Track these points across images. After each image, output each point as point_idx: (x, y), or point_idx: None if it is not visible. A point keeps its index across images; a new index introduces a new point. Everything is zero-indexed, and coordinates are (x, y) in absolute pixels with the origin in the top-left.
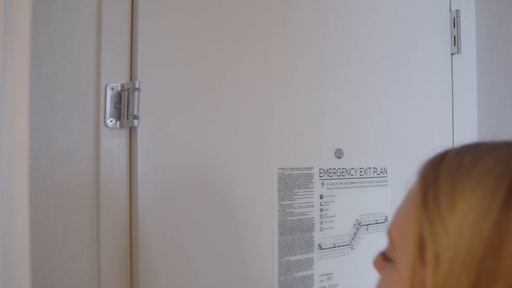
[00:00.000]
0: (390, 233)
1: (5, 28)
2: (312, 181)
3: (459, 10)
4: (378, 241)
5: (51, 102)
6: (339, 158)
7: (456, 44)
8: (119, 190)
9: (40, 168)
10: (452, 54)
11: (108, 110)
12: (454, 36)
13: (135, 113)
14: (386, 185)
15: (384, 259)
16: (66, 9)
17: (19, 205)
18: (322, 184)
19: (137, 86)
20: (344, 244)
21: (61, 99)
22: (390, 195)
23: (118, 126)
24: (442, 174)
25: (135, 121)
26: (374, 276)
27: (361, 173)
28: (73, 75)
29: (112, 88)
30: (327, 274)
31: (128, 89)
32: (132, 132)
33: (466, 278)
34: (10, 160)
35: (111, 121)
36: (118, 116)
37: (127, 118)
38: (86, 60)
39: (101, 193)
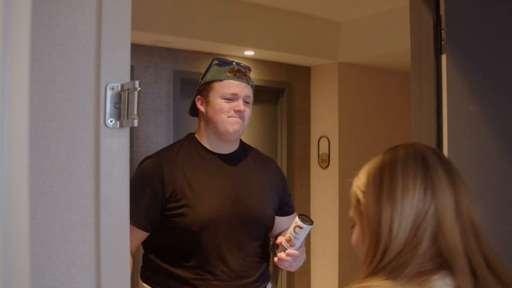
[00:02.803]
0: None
1: (5, 28)
2: None
3: None
4: None
5: (51, 102)
6: None
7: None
8: (119, 190)
9: (40, 168)
10: None
11: (108, 110)
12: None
13: (135, 113)
14: None
15: (352, 227)
16: (66, 9)
17: (19, 205)
18: None
19: (137, 86)
20: None
21: (61, 99)
22: None
23: (118, 126)
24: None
25: (135, 121)
26: None
27: None
28: (73, 75)
29: (112, 88)
30: None
31: (128, 89)
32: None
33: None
34: (10, 160)
35: (111, 121)
36: (118, 116)
37: (127, 118)
38: (86, 60)
39: (101, 193)
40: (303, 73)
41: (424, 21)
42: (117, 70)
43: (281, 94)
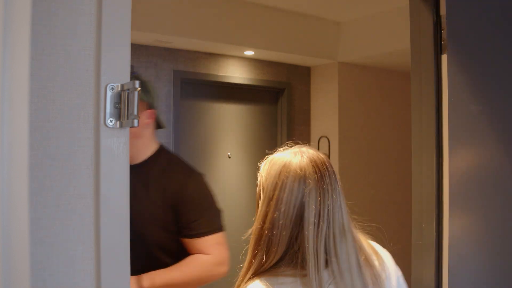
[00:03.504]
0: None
1: (5, 28)
2: None
3: None
4: None
5: (51, 102)
6: None
7: None
8: (119, 190)
9: (40, 168)
10: None
11: (108, 110)
12: None
13: (135, 113)
14: None
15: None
16: (66, 9)
17: (19, 205)
18: None
19: (137, 86)
20: None
21: (61, 99)
22: None
23: (118, 126)
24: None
25: (135, 121)
26: None
27: None
28: (73, 75)
29: (112, 88)
30: None
31: (128, 89)
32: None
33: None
34: (10, 160)
35: (111, 121)
36: (118, 116)
37: (127, 118)
38: (86, 60)
39: (101, 193)
40: (303, 73)
41: (424, 21)
42: (117, 70)
43: (281, 94)
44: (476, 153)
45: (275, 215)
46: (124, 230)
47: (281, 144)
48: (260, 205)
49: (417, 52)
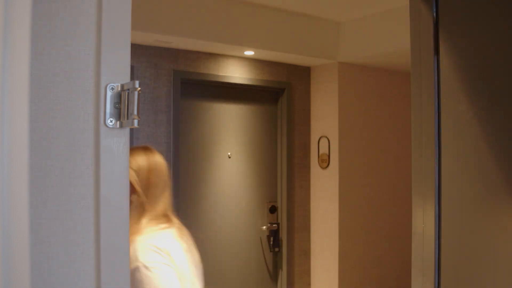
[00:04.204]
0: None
1: (5, 28)
2: None
3: None
4: None
5: (51, 102)
6: None
7: None
8: (119, 190)
9: (40, 168)
10: None
11: (108, 110)
12: None
13: (135, 113)
14: None
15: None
16: (66, 9)
17: (19, 205)
18: None
19: (137, 86)
20: None
21: (61, 99)
22: None
23: (118, 126)
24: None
25: (135, 121)
26: None
27: None
28: (73, 75)
29: (112, 88)
30: None
31: (128, 89)
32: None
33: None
34: (10, 160)
35: (111, 121)
36: (118, 116)
37: (127, 118)
38: (86, 60)
39: (101, 193)
40: (303, 73)
41: (424, 21)
42: (117, 70)
43: (281, 94)
44: (467, 154)
45: (156, 180)
46: (124, 230)
47: (281, 144)
48: (140, 181)
49: (417, 52)
